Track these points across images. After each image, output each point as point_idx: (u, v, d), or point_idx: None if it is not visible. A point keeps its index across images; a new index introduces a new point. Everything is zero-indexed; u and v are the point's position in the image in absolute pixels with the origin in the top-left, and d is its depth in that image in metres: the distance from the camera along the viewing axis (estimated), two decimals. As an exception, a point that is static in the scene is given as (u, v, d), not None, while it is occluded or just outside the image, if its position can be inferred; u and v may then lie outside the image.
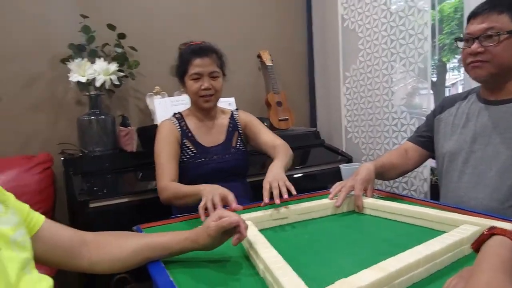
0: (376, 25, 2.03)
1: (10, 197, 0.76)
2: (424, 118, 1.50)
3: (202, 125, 1.51)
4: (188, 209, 1.25)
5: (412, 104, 1.97)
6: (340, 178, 2.15)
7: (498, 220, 0.92)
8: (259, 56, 2.47)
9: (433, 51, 1.81)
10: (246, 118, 1.59)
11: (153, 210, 1.50)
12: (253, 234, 0.89)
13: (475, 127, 1.22)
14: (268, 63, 2.43)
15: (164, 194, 1.33)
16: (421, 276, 0.70)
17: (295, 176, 2.05)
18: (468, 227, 0.86)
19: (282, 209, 1.10)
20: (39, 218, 0.79)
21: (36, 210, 1.57)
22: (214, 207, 1.03)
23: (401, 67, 1.93)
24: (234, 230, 0.81)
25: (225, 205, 1.07)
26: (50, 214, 1.72)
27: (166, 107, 1.95)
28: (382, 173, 1.34)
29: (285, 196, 1.09)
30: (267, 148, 1.49)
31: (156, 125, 1.92)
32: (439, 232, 0.94)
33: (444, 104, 1.37)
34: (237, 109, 1.64)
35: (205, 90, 1.41)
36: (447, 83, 10.47)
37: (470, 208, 1.08)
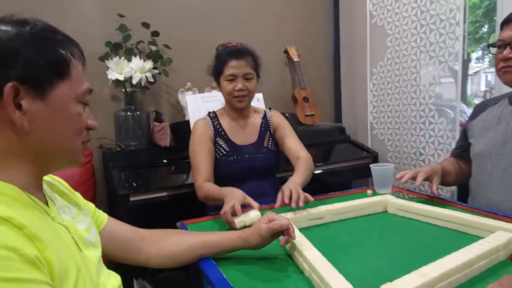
0: (406, 22, 2.03)
1: (79, 197, 0.83)
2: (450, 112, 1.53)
3: (235, 124, 1.57)
4: (219, 207, 1.32)
5: (439, 96, 1.98)
6: (367, 176, 2.20)
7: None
8: (286, 52, 2.50)
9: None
10: (278, 119, 1.62)
11: (188, 205, 1.59)
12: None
13: (505, 130, 1.25)
14: (295, 58, 2.46)
15: (199, 193, 1.41)
16: (458, 281, 0.75)
17: (320, 171, 2.10)
18: (502, 233, 0.90)
19: (319, 209, 1.16)
20: (104, 217, 0.86)
21: None
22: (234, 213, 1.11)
23: (430, 65, 1.93)
24: (282, 232, 0.87)
25: (244, 205, 1.15)
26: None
27: (197, 103, 2.01)
28: (443, 176, 1.36)
29: (301, 203, 1.15)
30: (290, 155, 1.54)
31: (188, 121, 1.99)
32: (471, 236, 0.99)
33: (476, 110, 1.41)
34: (270, 108, 1.68)
35: (238, 91, 1.46)
36: (470, 72, 10.25)
37: (502, 212, 1.11)
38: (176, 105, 2.24)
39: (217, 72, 1.51)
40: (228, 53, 1.47)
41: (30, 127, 0.57)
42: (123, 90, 1.92)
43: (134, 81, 1.84)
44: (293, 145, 1.54)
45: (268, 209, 1.24)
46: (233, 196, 1.17)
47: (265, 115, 1.63)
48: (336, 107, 2.70)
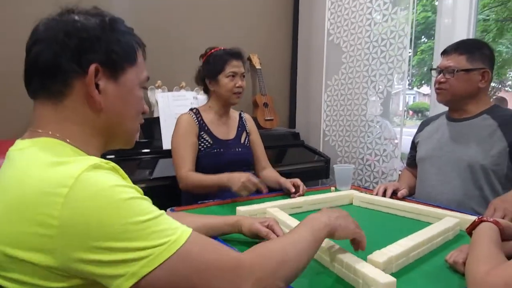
0: (360, 42, 2.30)
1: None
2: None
3: (218, 120, 1.69)
4: (198, 198, 1.44)
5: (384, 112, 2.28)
6: (320, 177, 2.40)
7: (462, 213, 1.20)
8: (249, 59, 2.65)
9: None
10: (253, 126, 1.83)
11: (159, 197, 1.64)
12: (288, 218, 1.09)
13: (441, 138, 1.54)
14: (257, 66, 2.62)
15: (184, 182, 1.49)
16: (424, 252, 0.95)
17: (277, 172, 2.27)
18: (449, 219, 1.13)
19: (299, 199, 1.32)
20: None
21: None
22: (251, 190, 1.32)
23: (379, 82, 2.21)
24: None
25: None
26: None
27: (168, 101, 2.08)
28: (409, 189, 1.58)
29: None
30: (257, 161, 1.78)
31: (157, 118, 2.05)
32: (424, 223, 1.21)
33: (422, 124, 1.71)
34: (242, 111, 1.83)
35: (238, 87, 1.62)
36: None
37: (437, 203, 1.37)
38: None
39: (215, 70, 1.62)
40: (229, 53, 1.63)
41: (104, 105, 0.65)
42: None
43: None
44: (262, 155, 1.77)
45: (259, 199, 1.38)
46: (241, 174, 1.33)
47: (240, 117, 1.78)
48: (290, 113, 2.91)
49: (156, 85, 2.17)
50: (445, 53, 1.49)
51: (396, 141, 2.23)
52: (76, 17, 0.64)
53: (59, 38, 0.61)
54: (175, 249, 0.54)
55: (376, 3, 2.18)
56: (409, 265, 0.89)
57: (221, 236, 1.02)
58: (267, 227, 0.97)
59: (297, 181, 1.51)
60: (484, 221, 0.85)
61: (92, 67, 0.62)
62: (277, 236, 0.93)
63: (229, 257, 0.58)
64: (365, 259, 0.82)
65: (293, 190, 1.48)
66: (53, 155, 0.58)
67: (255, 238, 0.98)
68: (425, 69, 9.89)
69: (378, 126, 2.27)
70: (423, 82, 10.75)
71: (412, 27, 2.05)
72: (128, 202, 0.53)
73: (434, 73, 1.54)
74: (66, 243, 0.50)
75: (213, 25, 2.52)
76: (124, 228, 0.51)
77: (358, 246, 0.84)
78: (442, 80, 1.46)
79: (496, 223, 0.83)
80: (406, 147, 1.96)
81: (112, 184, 0.54)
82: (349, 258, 0.82)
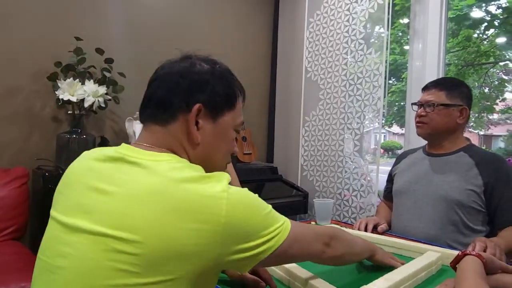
0: (336, 80, 2.38)
1: None
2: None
3: None
4: None
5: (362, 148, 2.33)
6: (298, 212, 2.39)
7: (441, 247, 1.21)
8: (228, 93, 2.68)
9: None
10: None
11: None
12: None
13: (418, 171, 1.56)
14: (237, 100, 2.64)
15: None
16: (410, 287, 0.94)
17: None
18: (431, 253, 1.13)
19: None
20: None
21: (10, 225, 1.65)
22: None
23: (356, 118, 2.28)
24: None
25: None
26: (23, 230, 1.68)
27: (146, 133, 2.05)
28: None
29: None
30: None
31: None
32: (406, 257, 1.20)
33: (399, 157, 1.73)
34: None
35: None
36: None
37: (412, 237, 1.38)
38: (119, 133, 2.23)
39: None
40: None
41: (200, 140, 0.73)
42: (72, 112, 1.87)
43: (86, 104, 1.82)
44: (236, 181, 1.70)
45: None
46: None
47: None
48: (268, 148, 2.92)
49: (134, 116, 2.14)
50: (426, 88, 1.55)
51: (368, 178, 2.26)
52: (192, 62, 0.76)
53: (174, 78, 0.73)
54: (289, 227, 0.71)
55: (352, 44, 2.29)
56: (397, 300, 0.88)
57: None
58: (252, 271, 0.92)
59: None
60: (468, 254, 0.86)
61: (196, 106, 0.72)
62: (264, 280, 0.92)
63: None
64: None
65: None
66: (194, 170, 0.68)
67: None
68: (395, 109, 10.34)
69: (351, 162, 2.31)
70: (393, 122, 11.21)
71: (386, 68, 2.14)
72: (259, 201, 0.70)
73: (414, 107, 1.59)
74: (228, 237, 0.62)
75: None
76: (266, 217, 0.68)
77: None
78: (422, 113, 1.51)
79: (479, 256, 0.84)
80: (381, 183, 2.01)
81: (246, 190, 0.69)
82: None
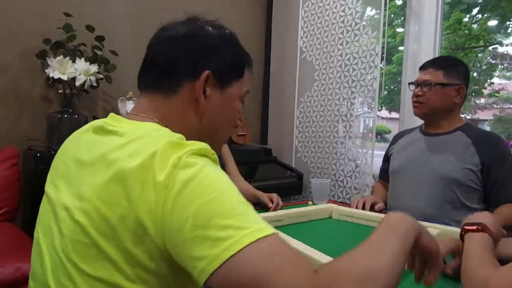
0: (332, 60, 2.35)
1: None
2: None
3: None
4: None
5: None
6: (293, 193, 2.39)
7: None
8: (222, 74, 2.64)
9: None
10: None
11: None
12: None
13: (414, 151, 1.57)
14: (230, 81, 2.61)
15: None
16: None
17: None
18: (431, 229, 1.14)
19: (279, 212, 1.29)
20: None
21: (2, 207, 1.61)
22: None
23: (352, 99, 2.26)
24: None
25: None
26: (15, 211, 1.65)
27: (139, 113, 2.01)
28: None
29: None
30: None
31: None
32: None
33: (395, 137, 1.73)
34: None
35: None
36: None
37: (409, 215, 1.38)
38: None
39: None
40: None
41: (206, 111, 0.68)
42: (62, 91, 1.82)
43: (77, 83, 1.77)
44: (234, 169, 1.73)
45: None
46: None
47: None
48: (262, 129, 2.90)
49: (127, 96, 2.09)
50: (423, 68, 1.54)
51: (358, 161, 2.26)
52: (201, 25, 0.70)
53: (183, 42, 0.67)
54: (264, 234, 0.48)
55: (348, 23, 2.25)
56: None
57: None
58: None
59: (274, 196, 1.48)
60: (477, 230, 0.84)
61: (205, 74, 0.66)
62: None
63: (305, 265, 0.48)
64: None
65: (270, 205, 1.45)
66: (167, 136, 0.59)
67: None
68: (385, 93, 10.37)
69: (342, 147, 2.32)
70: (382, 105, 11.25)
71: (384, 47, 2.12)
72: (234, 187, 0.54)
73: (411, 87, 1.57)
74: (179, 214, 0.49)
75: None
76: (234, 206, 0.50)
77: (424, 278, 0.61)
78: (419, 93, 1.50)
79: (488, 232, 0.83)
80: (375, 167, 2.04)
81: (221, 171, 0.56)
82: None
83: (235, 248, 0.46)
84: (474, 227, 0.83)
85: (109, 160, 0.57)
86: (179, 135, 0.59)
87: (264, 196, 1.48)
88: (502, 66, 6.00)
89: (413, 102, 1.54)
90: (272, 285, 0.44)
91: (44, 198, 0.68)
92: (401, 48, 5.28)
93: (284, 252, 0.48)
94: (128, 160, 0.54)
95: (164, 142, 0.55)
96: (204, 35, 0.69)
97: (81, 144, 0.67)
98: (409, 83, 1.61)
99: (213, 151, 0.59)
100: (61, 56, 1.75)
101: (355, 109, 2.26)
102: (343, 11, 2.28)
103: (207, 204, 0.49)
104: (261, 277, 0.45)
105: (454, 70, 1.47)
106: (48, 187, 0.68)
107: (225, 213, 0.49)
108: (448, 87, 1.46)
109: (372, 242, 0.52)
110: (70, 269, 0.56)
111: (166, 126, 0.65)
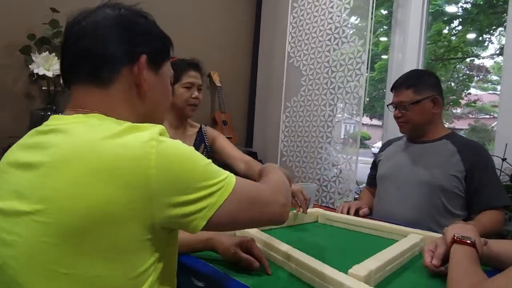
0: (319, 67, 2.39)
1: None
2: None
3: (173, 132, 1.62)
4: None
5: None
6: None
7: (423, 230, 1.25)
8: (209, 76, 2.64)
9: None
10: (214, 133, 1.76)
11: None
12: (261, 234, 1.06)
13: (401, 158, 1.61)
14: (217, 83, 2.61)
15: None
16: (397, 267, 0.97)
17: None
18: (414, 235, 1.17)
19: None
20: None
21: None
22: None
23: (337, 105, 2.30)
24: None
25: None
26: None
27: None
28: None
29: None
30: (235, 161, 1.65)
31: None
32: (388, 240, 1.24)
33: (384, 145, 1.78)
34: (205, 125, 1.79)
35: (194, 99, 1.57)
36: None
37: (394, 220, 1.40)
38: (96, 112, 2.14)
39: (173, 79, 1.57)
40: (187, 64, 1.58)
41: (147, 93, 0.71)
42: (45, 88, 1.78)
43: (62, 80, 1.73)
44: (236, 153, 1.67)
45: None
46: None
47: (200, 129, 1.74)
48: (248, 133, 2.91)
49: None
50: (394, 89, 1.59)
51: (340, 166, 2.30)
52: (124, 12, 0.71)
53: (112, 29, 0.68)
54: (234, 181, 0.65)
55: (335, 30, 2.29)
56: (386, 279, 0.90)
57: (193, 253, 0.96)
58: (245, 249, 0.91)
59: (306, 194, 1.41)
60: (462, 243, 0.86)
61: (143, 58, 0.69)
62: (257, 258, 0.90)
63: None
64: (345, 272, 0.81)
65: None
66: (118, 124, 0.62)
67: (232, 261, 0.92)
68: (367, 99, 10.56)
69: (326, 152, 2.35)
70: (364, 112, 11.42)
71: (368, 57, 2.17)
72: (196, 153, 0.64)
73: (391, 108, 1.62)
74: (161, 190, 0.58)
75: (174, 41, 2.47)
76: (204, 169, 0.62)
77: None
78: (399, 115, 1.56)
79: (473, 246, 0.85)
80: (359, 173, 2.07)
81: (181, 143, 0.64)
82: (330, 271, 0.81)
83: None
84: (468, 242, 0.85)
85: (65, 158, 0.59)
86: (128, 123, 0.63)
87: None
88: (478, 78, 6.20)
89: (397, 122, 1.60)
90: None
91: None
92: (384, 56, 5.39)
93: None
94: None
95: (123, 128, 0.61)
96: (132, 20, 0.71)
97: (24, 149, 0.65)
98: (387, 105, 1.66)
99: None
100: (47, 52, 1.72)
101: (342, 114, 2.30)
102: (331, 18, 2.32)
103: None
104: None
105: (423, 84, 1.52)
106: None
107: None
108: (422, 101, 1.51)
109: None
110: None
111: (111, 117, 0.65)
